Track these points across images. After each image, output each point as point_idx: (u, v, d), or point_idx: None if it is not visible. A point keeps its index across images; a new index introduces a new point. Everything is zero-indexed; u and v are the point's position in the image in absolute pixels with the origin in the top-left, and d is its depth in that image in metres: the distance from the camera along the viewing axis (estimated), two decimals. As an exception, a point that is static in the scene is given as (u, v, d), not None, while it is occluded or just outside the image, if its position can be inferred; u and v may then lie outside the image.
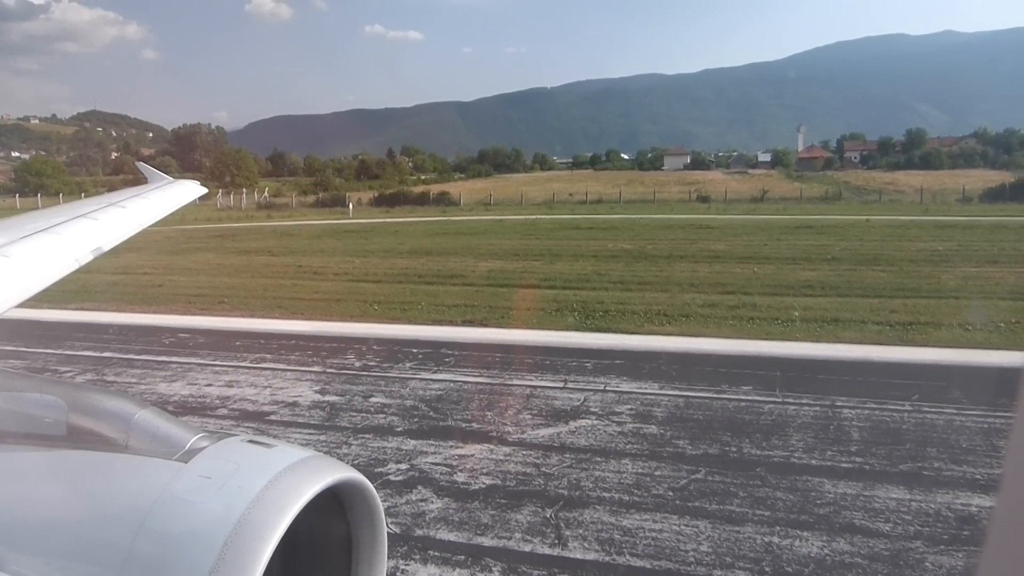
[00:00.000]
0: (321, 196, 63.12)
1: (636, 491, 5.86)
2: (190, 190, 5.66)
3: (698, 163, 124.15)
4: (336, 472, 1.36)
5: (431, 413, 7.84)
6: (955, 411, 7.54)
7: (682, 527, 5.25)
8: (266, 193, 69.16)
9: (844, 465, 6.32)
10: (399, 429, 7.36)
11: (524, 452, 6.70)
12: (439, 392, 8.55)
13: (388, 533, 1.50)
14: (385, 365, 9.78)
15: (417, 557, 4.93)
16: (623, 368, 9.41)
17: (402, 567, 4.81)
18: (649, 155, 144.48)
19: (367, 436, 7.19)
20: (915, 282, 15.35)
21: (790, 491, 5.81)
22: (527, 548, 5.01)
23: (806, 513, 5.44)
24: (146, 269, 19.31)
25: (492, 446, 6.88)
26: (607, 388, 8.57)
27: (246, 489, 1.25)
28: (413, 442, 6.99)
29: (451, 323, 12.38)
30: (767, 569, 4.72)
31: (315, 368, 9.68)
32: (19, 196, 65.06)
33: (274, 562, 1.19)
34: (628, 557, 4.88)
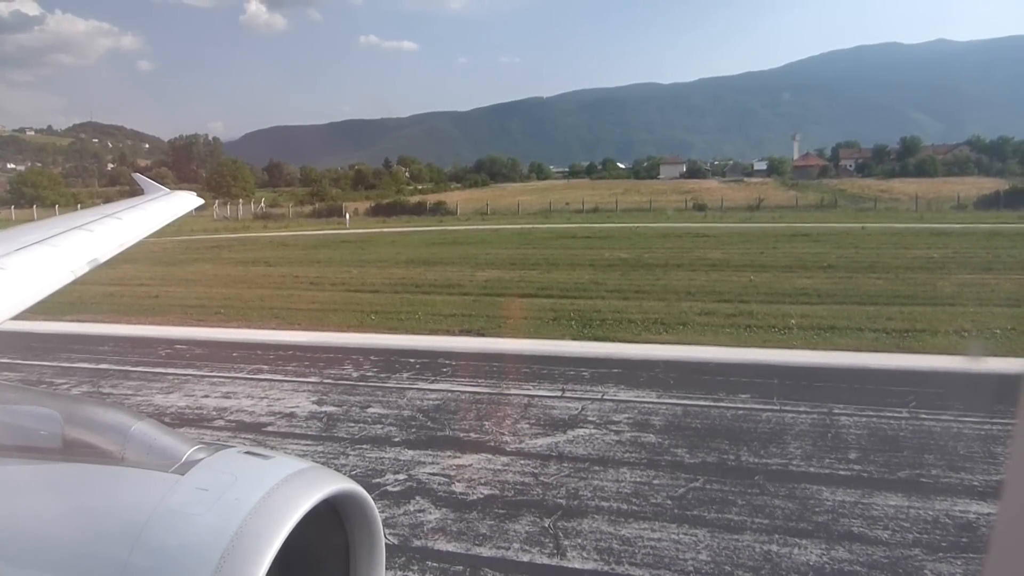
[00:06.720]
0: (318, 206, 63.15)
1: (634, 500, 5.84)
2: (186, 201, 5.66)
3: (694, 172, 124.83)
4: (334, 483, 1.36)
5: (428, 423, 7.81)
6: (952, 418, 7.54)
7: (681, 536, 5.23)
8: (263, 204, 69.15)
9: (842, 472, 6.31)
10: (396, 439, 7.34)
11: (522, 462, 6.68)
12: (436, 402, 8.52)
13: (386, 544, 1.49)
14: (383, 375, 9.76)
15: (415, 568, 4.90)
16: (620, 377, 9.39)
17: (400, 578, 4.78)
18: (645, 164, 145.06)
19: (364, 447, 7.16)
20: (911, 289, 15.39)
21: (788, 499, 5.80)
22: (525, 558, 4.99)
23: (805, 521, 5.43)
24: (142, 280, 19.25)
25: (490, 456, 6.85)
26: (604, 397, 8.55)
27: (243, 501, 1.24)
28: (411, 452, 6.97)
29: (448, 333, 12.37)
30: (766, 578, 4.70)
31: (312, 379, 9.65)
32: (15, 208, 64.83)
33: (272, 574, 1.19)
34: (627, 566, 4.86)
